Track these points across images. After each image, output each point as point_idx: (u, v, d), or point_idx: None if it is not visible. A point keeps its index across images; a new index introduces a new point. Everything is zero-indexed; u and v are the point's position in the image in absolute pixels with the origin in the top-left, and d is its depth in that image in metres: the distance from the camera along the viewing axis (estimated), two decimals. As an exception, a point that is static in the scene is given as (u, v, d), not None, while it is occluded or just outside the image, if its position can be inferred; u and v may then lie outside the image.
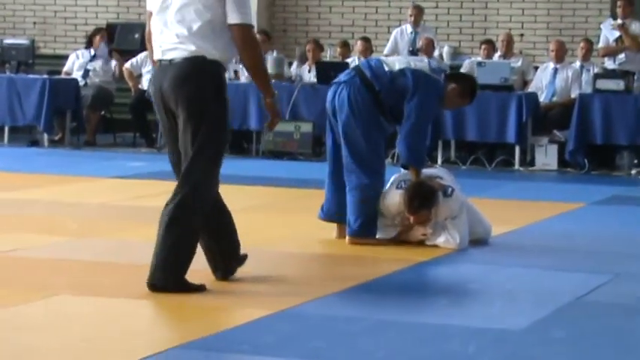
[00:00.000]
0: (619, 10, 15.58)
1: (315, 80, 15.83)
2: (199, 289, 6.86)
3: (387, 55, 16.68)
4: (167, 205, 6.87)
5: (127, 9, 18.85)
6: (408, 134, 8.82)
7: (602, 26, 15.95)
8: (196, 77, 6.77)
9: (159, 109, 6.95)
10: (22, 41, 17.70)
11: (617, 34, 15.52)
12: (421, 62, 9.51)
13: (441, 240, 8.75)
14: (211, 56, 6.79)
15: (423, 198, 8.67)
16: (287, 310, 6.54)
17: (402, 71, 8.82)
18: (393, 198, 8.83)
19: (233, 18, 6.75)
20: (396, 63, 9.03)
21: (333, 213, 9.13)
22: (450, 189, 8.78)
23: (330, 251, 8.81)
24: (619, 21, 15.52)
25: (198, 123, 6.77)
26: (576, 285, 7.45)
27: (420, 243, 8.80)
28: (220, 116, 6.85)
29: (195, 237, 6.93)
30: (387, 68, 8.88)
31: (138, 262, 7.88)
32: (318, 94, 15.60)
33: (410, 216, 8.70)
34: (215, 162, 6.92)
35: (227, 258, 7.19)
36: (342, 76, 9.08)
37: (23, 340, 5.81)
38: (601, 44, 15.78)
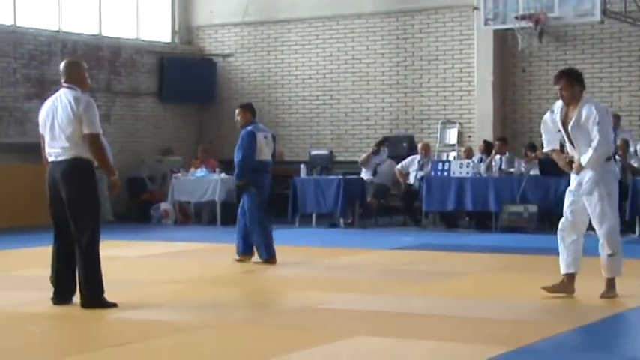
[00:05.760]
0: None
1: (538, 173, 15.68)
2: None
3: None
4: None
5: (397, 125, 19.12)
6: None
7: None
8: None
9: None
10: (324, 152, 18.14)
11: None
12: None
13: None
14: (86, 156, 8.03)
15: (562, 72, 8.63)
16: (525, 346, 6.47)
17: None
18: None
19: (85, 130, 7.98)
20: None
21: None
22: None
23: (549, 301, 8.57)
24: None
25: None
26: None
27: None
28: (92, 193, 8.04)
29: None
30: None
31: (414, 312, 7.96)
32: (541, 184, 15.47)
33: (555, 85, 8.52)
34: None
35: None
36: None
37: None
38: None
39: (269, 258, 11.19)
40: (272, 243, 11.31)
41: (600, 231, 8.43)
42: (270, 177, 11.68)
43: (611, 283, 8.48)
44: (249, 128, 11.33)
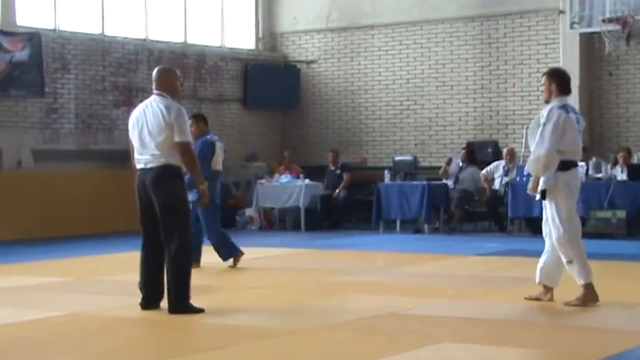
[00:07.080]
0: None
1: (626, 178, 15.44)
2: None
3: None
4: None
5: (481, 131, 18.99)
6: None
7: None
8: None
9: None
10: (408, 157, 18.14)
11: None
12: None
13: None
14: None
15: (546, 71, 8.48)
16: (613, 355, 6.37)
17: None
18: None
19: (176, 138, 8.05)
20: None
21: None
22: None
23: (636, 309, 8.47)
24: None
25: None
26: None
27: None
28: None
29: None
30: None
31: (499, 318, 7.89)
32: (629, 188, 15.22)
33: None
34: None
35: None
36: None
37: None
38: None
39: (237, 255, 11.45)
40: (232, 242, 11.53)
41: (552, 238, 8.34)
42: (221, 184, 12.01)
43: (586, 291, 8.30)
44: (208, 138, 11.58)
